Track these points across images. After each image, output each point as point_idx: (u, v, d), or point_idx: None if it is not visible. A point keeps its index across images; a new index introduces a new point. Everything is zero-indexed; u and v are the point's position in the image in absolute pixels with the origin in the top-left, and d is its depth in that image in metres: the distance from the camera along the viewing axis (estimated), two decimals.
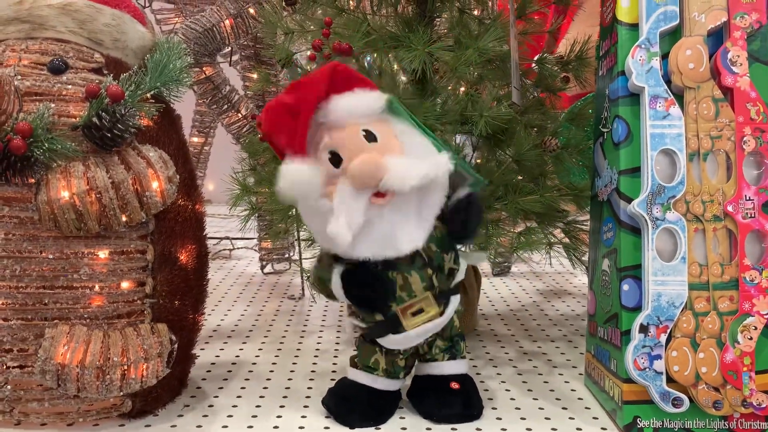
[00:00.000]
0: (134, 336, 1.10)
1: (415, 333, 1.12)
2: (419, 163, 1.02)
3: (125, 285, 1.11)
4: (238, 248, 2.67)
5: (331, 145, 1.05)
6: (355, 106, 1.06)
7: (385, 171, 1.00)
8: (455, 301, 1.16)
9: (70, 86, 1.09)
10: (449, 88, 1.54)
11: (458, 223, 1.10)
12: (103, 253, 1.09)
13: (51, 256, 1.06)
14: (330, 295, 1.14)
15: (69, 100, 1.08)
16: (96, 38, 1.14)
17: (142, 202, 1.08)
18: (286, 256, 2.33)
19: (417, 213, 1.05)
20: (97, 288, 1.09)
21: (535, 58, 1.58)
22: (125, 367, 1.08)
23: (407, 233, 1.04)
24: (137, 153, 1.10)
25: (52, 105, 1.06)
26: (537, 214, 1.48)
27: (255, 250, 2.43)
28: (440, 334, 1.18)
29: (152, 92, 1.12)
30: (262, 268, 2.32)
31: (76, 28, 1.13)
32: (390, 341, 1.14)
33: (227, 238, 2.72)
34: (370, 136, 1.05)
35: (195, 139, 2.72)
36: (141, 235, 1.12)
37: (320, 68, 1.08)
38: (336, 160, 1.04)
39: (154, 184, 1.09)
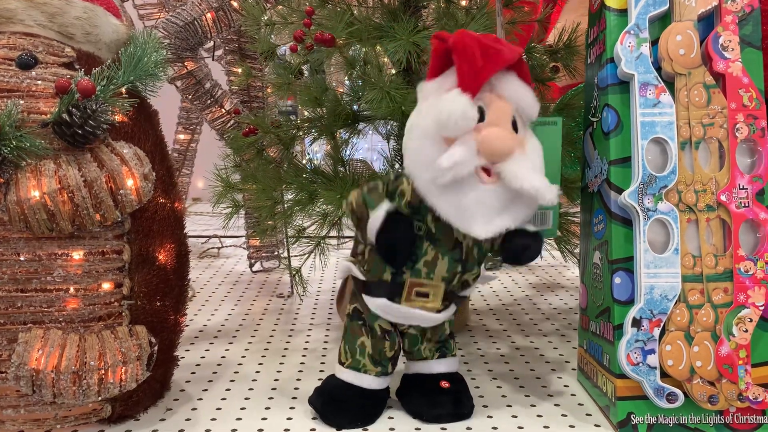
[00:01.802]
0: (112, 339, 1.06)
1: (407, 312, 1.09)
2: (539, 175, 1.02)
3: (101, 286, 1.07)
4: (226, 246, 2.63)
5: (486, 101, 1.02)
6: (524, 97, 1.06)
7: (509, 157, 0.99)
8: (452, 309, 1.14)
9: (39, 82, 1.05)
10: None
11: (517, 244, 1.07)
12: (77, 254, 1.05)
13: (23, 258, 1.02)
14: (359, 223, 1.08)
15: (39, 96, 1.04)
16: (67, 32, 1.10)
17: (117, 201, 1.05)
18: (275, 253, 2.30)
19: (500, 213, 1.02)
20: (72, 290, 1.05)
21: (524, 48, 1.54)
22: (103, 372, 1.04)
23: (482, 221, 1.01)
24: (111, 150, 1.06)
25: (21, 101, 1.02)
26: None
27: (243, 248, 2.39)
28: (429, 337, 1.16)
29: (126, 87, 1.09)
30: (251, 266, 2.29)
31: (46, 22, 1.09)
32: (381, 306, 1.10)
33: (215, 236, 2.68)
34: (515, 126, 1.04)
35: (181, 136, 2.68)
36: (117, 234, 1.09)
37: (513, 45, 1.07)
38: (480, 115, 1.01)
39: (129, 182, 1.06)
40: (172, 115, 2.64)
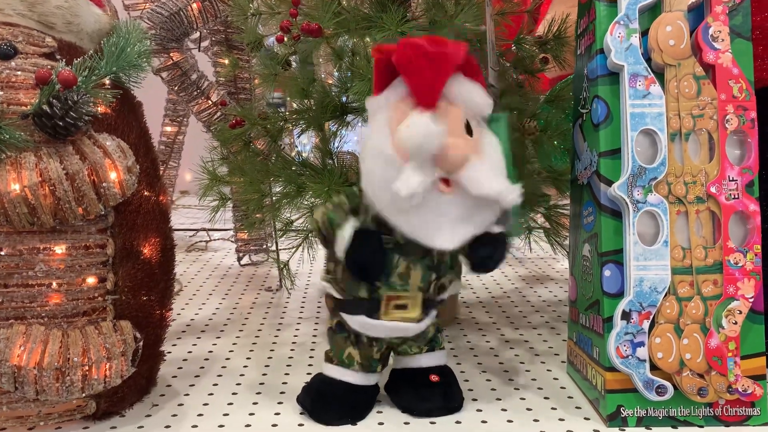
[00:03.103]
0: (95, 335, 1.04)
1: (388, 326, 1.07)
2: (498, 178, 0.99)
3: (85, 281, 1.05)
4: (214, 240, 2.61)
5: (435, 112, 0.99)
6: (473, 96, 1.02)
7: (466, 164, 0.97)
8: (433, 315, 1.13)
9: (19, 72, 1.03)
10: None
11: (480, 255, 1.06)
12: (59, 249, 1.03)
13: (3, 253, 1.00)
14: (326, 242, 1.07)
15: (18, 87, 1.02)
16: (47, 21, 1.08)
17: (100, 194, 1.03)
18: (264, 247, 2.28)
19: (464, 221, 1.00)
20: (54, 285, 1.03)
21: (513, 39, 1.53)
22: (86, 368, 1.03)
23: (447, 232, 0.99)
24: (93, 142, 1.04)
25: (0, 92, 1.00)
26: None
27: (231, 242, 2.38)
28: (414, 339, 1.15)
29: (109, 78, 1.06)
30: (239, 259, 2.27)
31: (26, 11, 1.06)
32: (360, 323, 1.09)
33: (203, 229, 2.66)
34: (468, 129, 1.01)
35: (168, 129, 2.65)
36: (100, 228, 1.07)
37: (455, 42, 1.03)
38: None
39: (112, 175, 1.04)
40: (158, 108, 2.61)
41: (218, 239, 2.62)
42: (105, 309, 1.08)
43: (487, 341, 1.51)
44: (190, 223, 2.90)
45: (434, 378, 1.16)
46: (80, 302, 1.05)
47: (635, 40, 1.10)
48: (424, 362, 1.16)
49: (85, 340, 1.03)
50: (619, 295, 1.11)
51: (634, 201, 1.09)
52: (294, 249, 1.53)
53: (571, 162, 1.30)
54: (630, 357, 1.08)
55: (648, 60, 1.10)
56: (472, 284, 1.99)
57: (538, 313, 1.72)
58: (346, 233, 1.02)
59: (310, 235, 1.49)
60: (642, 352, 1.08)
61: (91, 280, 1.06)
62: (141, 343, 1.11)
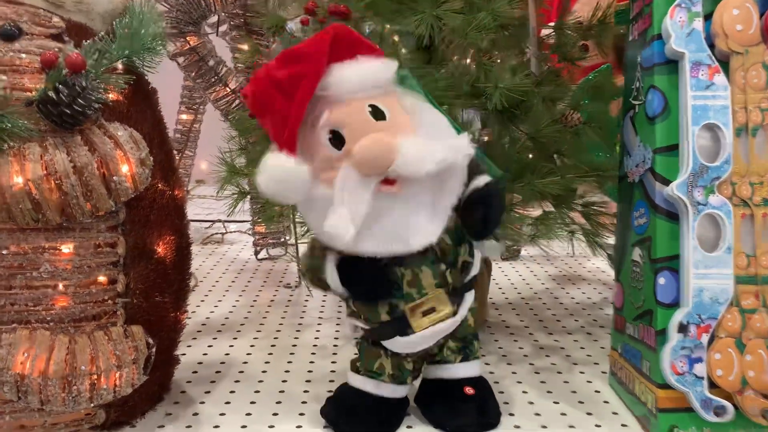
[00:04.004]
0: (105, 341, 0.97)
1: (425, 335, 0.98)
2: (435, 144, 0.88)
3: (94, 283, 0.97)
4: (230, 232, 2.53)
5: (332, 123, 0.90)
6: (361, 77, 0.91)
7: (397, 154, 0.86)
8: (469, 298, 1.03)
9: (24, 55, 0.94)
10: (455, 57, 1.39)
11: (476, 217, 0.95)
12: (66, 248, 0.95)
13: (6, 252, 0.93)
14: (325, 287, 1.01)
15: (23, 71, 0.94)
16: (55, 0, 0.99)
17: (110, 189, 0.95)
18: (282, 240, 2.20)
19: (431, 203, 0.91)
20: (60, 287, 0.95)
21: (553, 24, 1.42)
22: (95, 377, 0.95)
23: (420, 226, 0.90)
24: (103, 132, 0.96)
25: (4, 77, 0.92)
26: (554, 197, 1.35)
27: (249, 234, 2.29)
28: (452, 333, 1.05)
29: (120, 61, 0.98)
30: (256, 253, 2.19)
31: None
32: (397, 344, 1.00)
33: (219, 221, 2.58)
34: (378, 113, 0.91)
35: (184, 117, 2.56)
36: (110, 225, 0.98)
37: (317, 34, 0.93)
38: (338, 140, 0.90)
39: (124, 168, 0.95)
40: (174, 95, 2.52)
41: (234, 231, 2.54)
42: (115, 313, 1.00)
43: (520, 347, 1.42)
44: (205, 214, 2.83)
45: (469, 391, 1.07)
46: (89, 306, 0.97)
47: (698, 24, 1.00)
48: (457, 373, 1.07)
49: (94, 347, 0.95)
50: (675, 305, 1.01)
51: (694, 202, 0.99)
52: None
53: (620, 157, 1.19)
54: (686, 374, 0.99)
55: (711, 47, 1.00)
56: (501, 284, 1.90)
57: (572, 316, 1.63)
58: (330, 271, 0.95)
59: None
60: (700, 369, 0.98)
61: (101, 282, 0.98)
62: (154, 350, 1.03)
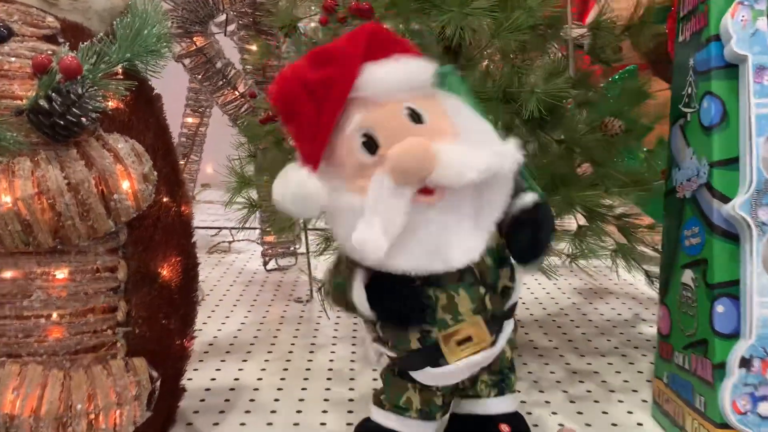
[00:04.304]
0: (104, 376, 0.87)
1: (459, 367, 0.88)
2: (479, 151, 0.78)
3: (91, 312, 0.88)
4: (238, 240, 2.44)
5: (366, 125, 0.80)
6: (398, 77, 0.82)
7: (436, 160, 0.76)
8: (508, 328, 0.92)
9: (13, 58, 0.85)
10: (485, 60, 1.29)
11: (525, 239, 0.85)
12: (61, 273, 0.86)
13: None
14: (350, 308, 0.89)
15: (13, 77, 0.84)
16: None
17: (109, 208, 0.85)
18: (292, 249, 2.10)
19: (473, 216, 0.81)
20: (54, 316, 0.86)
21: (587, 23, 1.32)
22: (93, 416, 0.86)
23: (460, 242, 0.80)
24: (102, 145, 0.86)
25: None
26: (588, 210, 1.25)
27: (257, 243, 2.20)
28: (488, 366, 0.96)
29: (121, 65, 0.88)
30: (265, 264, 2.09)
31: None
32: (428, 376, 0.90)
33: (226, 227, 2.49)
34: (416, 116, 0.81)
35: (189, 120, 2.46)
36: (110, 248, 0.89)
37: (350, 32, 0.83)
38: (371, 145, 0.80)
39: (125, 185, 0.86)
40: (179, 98, 2.43)
41: (242, 240, 2.44)
42: (115, 344, 0.90)
43: (551, 372, 1.32)
44: (211, 221, 2.73)
45: (505, 429, 0.96)
46: (86, 336, 0.88)
47: (762, 24, 0.90)
48: (492, 408, 0.97)
49: (91, 383, 0.86)
50: (735, 336, 0.91)
51: (759, 223, 0.89)
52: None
53: (668, 169, 1.09)
54: (749, 413, 0.89)
55: None
56: (525, 300, 1.79)
57: (603, 335, 1.53)
58: (357, 291, 0.84)
59: None
60: (765, 408, 0.88)
61: (99, 310, 0.89)
62: (158, 383, 0.93)
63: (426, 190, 0.78)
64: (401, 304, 0.84)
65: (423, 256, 0.80)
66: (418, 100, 0.82)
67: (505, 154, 0.78)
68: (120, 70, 0.90)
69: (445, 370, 0.88)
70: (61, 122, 0.80)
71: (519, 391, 1.03)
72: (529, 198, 0.84)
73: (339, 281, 0.88)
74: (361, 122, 0.80)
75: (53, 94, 0.80)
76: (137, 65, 0.93)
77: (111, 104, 0.90)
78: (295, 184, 0.80)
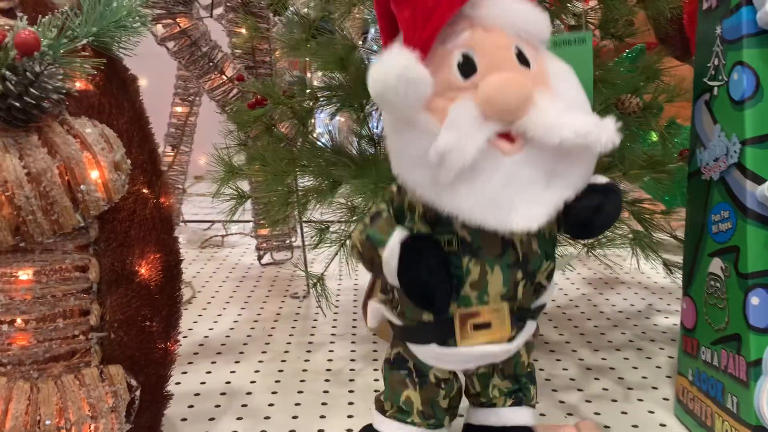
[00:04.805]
0: (76, 386, 0.79)
1: (469, 353, 0.79)
2: (578, 115, 0.70)
3: (60, 316, 0.79)
4: (231, 234, 2.35)
5: (470, 44, 0.71)
6: (520, 15, 0.74)
7: (533, 105, 0.68)
8: (529, 329, 0.84)
9: None
10: None
11: (583, 218, 0.75)
12: (24, 274, 0.77)
13: None
14: (372, 265, 0.80)
15: None
16: None
17: (77, 200, 0.76)
18: (287, 243, 2.01)
19: (545, 185, 0.71)
20: (19, 322, 0.77)
21: None
22: (64, 431, 0.77)
23: (524, 205, 0.70)
24: (67, 130, 0.77)
25: None
26: None
27: (251, 237, 2.11)
28: (501, 369, 0.87)
29: (87, 41, 0.79)
30: (260, 258, 2.01)
31: None
32: (430, 354, 0.81)
33: (219, 221, 2.40)
34: (523, 59, 0.72)
35: (179, 109, 2.36)
36: (79, 245, 0.80)
37: None
38: (468, 67, 0.71)
39: (94, 174, 0.77)
40: (169, 86, 2.33)
41: (236, 233, 2.35)
42: (88, 351, 0.82)
43: (564, 369, 1.24)
44: (204, 214, 2.64)
45: None
46: (54, 344, 0.79)
47: None
48: (507, 419, 0.89)
49: (62, 395, 0.78)
50: None
51: None
52: (327, 264, 1.26)
53: (691, 149, 1.01)
54: None
55: None
56: None
57: (617, 328, 1.44)
58: (392, 250, 0.74)
59: (347, 241, 1.22)
60: None
61: (69, 314, 0.80)
62: (138, 392, 0.85)
63: (507, 136, 0.70)
64: (430, 280, 0.75)
65: (480, 204, 0.70)
66: (529, 48, 0.73)
67: (605, 128, 0.69)
68: (86, 47, 0.80)
69: (452, 351, 0.79)
70: (18, 104, 0.71)
71: (538, 402, 0.95)
72: (599, 178, 0.76)
73: (373, 235, 0.77)
74: (467, 40, 0.71)
75: (8, 72, 0.70)
76: (107, 42, 0.84)
77: (78, 85, 0.81)
78: (403, 66, 0.68)
